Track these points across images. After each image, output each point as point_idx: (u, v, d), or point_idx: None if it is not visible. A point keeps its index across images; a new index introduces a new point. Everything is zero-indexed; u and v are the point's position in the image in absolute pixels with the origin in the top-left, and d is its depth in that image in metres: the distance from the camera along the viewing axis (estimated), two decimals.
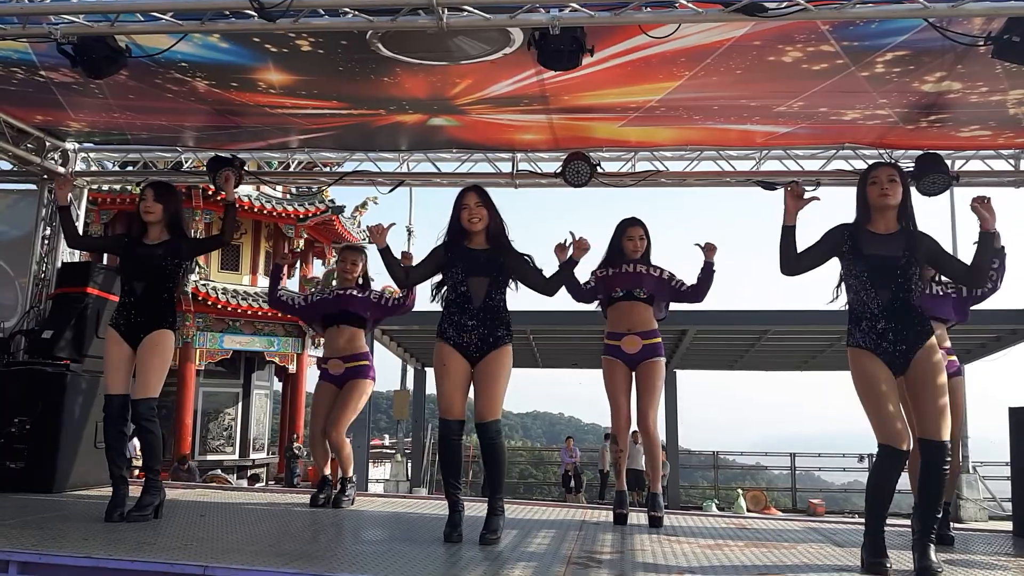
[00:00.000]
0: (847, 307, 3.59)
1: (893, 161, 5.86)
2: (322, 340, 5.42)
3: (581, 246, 4.07)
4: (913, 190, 4.12)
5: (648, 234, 4.85)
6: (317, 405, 5.23)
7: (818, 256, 3.60)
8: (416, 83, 5.20)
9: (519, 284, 4.09)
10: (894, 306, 3.42)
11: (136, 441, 5.05)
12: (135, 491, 4.35)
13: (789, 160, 6.54)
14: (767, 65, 4.73)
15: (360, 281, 5.28)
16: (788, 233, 3.60)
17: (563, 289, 4.30)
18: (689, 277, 4.80)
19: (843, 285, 3.64)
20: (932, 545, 3.33)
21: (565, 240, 4.13)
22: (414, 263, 4.28)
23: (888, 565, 3.31)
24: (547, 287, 4.08)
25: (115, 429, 4.28)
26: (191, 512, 4.66)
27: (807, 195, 3.63)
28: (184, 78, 5.11)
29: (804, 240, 3.60)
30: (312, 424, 5.33)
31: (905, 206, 3.54)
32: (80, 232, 5.43)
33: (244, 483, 14.42)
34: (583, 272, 4.88)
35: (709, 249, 4.75)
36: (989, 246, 3.49)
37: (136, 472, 4.48)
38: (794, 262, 3.60)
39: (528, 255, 4.08)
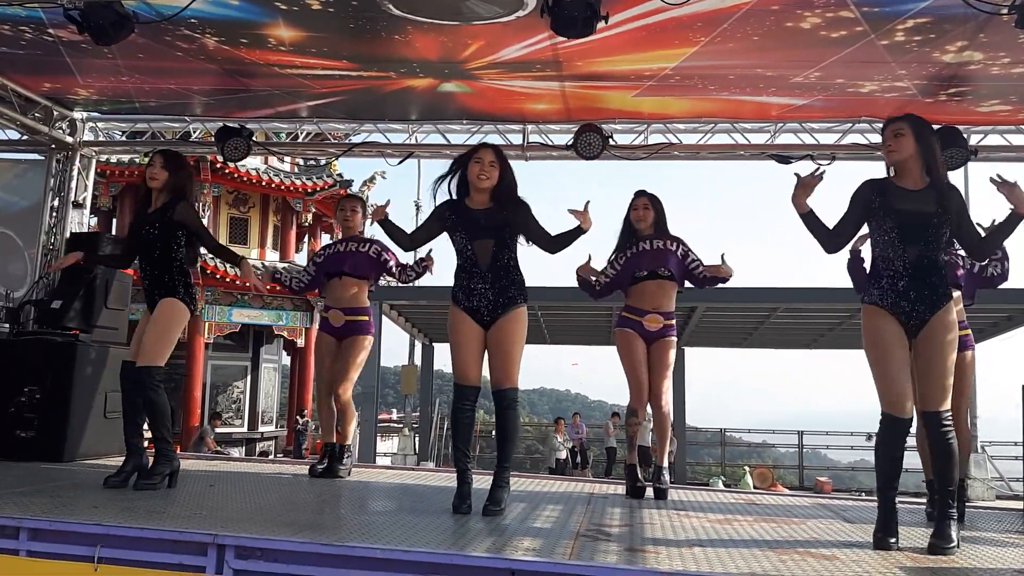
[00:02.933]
0: (870, 261, 3.50)
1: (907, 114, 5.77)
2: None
3: (587, 219, 3.92)
4: None
5: (656, 204, 4.80)
6: (319, 359, 5.24)
7: (854, 221, 3.49)
8: (427, 43, 5.12)
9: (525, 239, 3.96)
10: (921, 264, 3.32)
11: None
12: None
13: (804, 133, 6.46)
14: (784, 32, 4.64)
15: (362, 230, 5.25)
16: (808, 218, 3.49)
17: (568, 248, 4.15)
18: (705, 257, 4.77)
19: (867, 240, 3.55)
20: (951, 522, 3.26)
21: (586, 205, 3.97)
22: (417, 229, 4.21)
23: (893, 541, 3.28)
24: (551, 244, 3.92)
25: (127, 396, 4.28)
26: (201, 482, 4.67)
27: (811, 175, 3.50)
28: (194, 35, 5.06)
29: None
30: (316, 380, 5.32)
31: (927, 157, 3.37)
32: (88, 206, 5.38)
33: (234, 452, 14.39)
34: (600, 261, 4.86)
35: (719, 270, 4.67)
36: (1014, 227, 3.40)
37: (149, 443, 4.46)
38: (832, 238, 3.50)
39: (527, 207, 3.93)
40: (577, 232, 3.91)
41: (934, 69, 5.04)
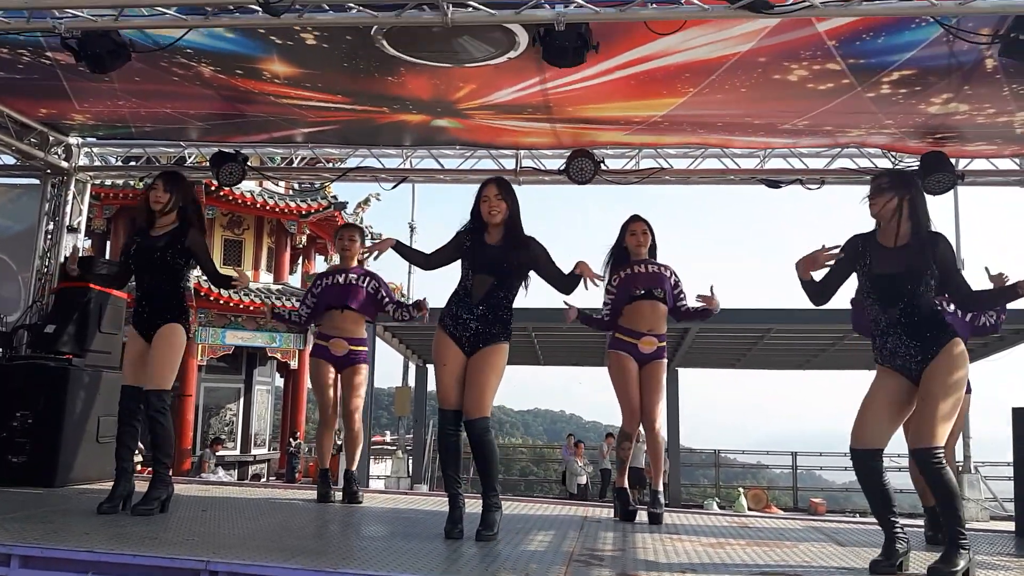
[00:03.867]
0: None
1: (892, 167, 5.83)
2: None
3: (592, 274, 4.00)
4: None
5: (652, 230, 4.86)
6: (321, 387, 5.20)
7: (841, 275, 3.57)
8: (419, 84, 5.18)
9: (531, 280, 4.06)
10: (902, 321, 3.36)
11: None
12: (140, 487, 4.34)
13: (794, 159, 6.52)
14: (772, 83, 4.67)
15: (360, 259, 5.30)
16: (807, 285, 3.56)
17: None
18: (688, 291, 4.84)
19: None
20: (960, 551, 3.18)
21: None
22: (429, 250, 4.26)
23: (891, 564, 3.29)
24: (563, 284, 4.01)
25: (126, 421, 4.29)
26: (193, 507, 4.66)
27: (828, 252, 3.51)
28: (190, 63, 5.11)
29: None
30: (322, 408, 5.28)
31: (911, 214, 3.40)
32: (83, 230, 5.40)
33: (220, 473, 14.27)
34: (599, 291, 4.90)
35: (711, 301, 4.69)
36: (1010, 299, 3.50)
37: (140, 467, 4.45)
38: (820, 295, 3.60)
39: (540, 246, 4.02)
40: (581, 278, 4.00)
41: (920, 119, 5.07)
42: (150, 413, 4.20)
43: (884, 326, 3.41)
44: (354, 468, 5.27)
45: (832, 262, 3.53)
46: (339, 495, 5.25)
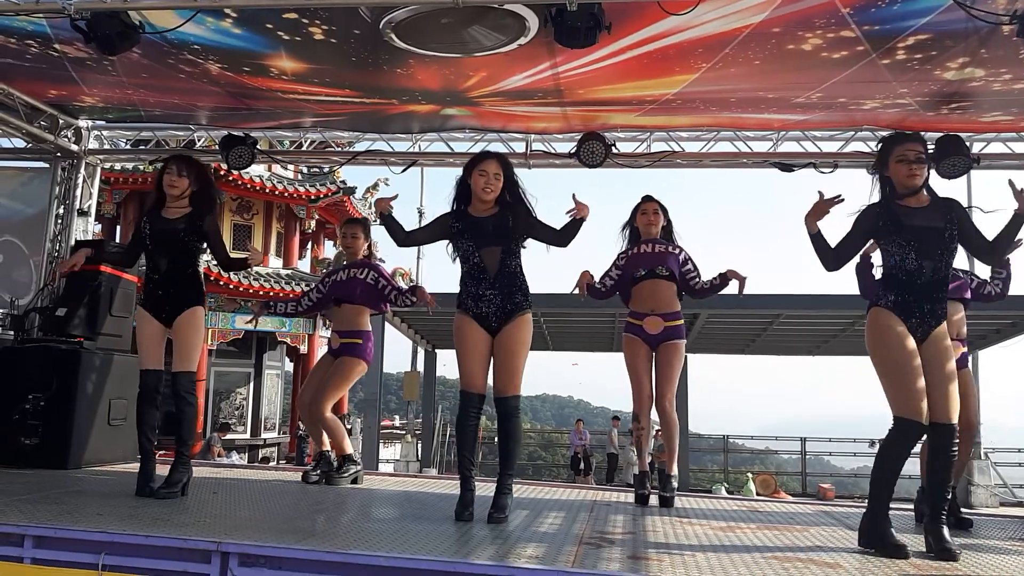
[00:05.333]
0: (882, 270, 3.55)
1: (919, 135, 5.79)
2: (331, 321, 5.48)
3: (583, 208, 3.96)
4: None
5: (665, 210, 4.83)
6: (311, 375, 5.34)
7: (856, 241, 3.57)
8: (429, 75, 5.13)
9: (528, 241, 3.99)
10: (934, 278, 3.38)
11: None
12: (161, 470, 4.37)
13: (807, 141, 6.47)
14: (786, 54, 4.61)
15: (366, 253, 5.29)
16: (817, 238, 3.55)
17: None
18: (704, 271, 4.80)
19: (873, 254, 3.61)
20: (945, 527, 3.32)
21: (574, 197, 4.03)
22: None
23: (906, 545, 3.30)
24: (559, 238, 3.93)
25: (147, 404, 4.29)
26: (204, 489, 4.68)
27: (830, 200, 3.54)
28: (197, 60, 5.08)
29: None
30: (300, 395, 5.41)
31: (927, 179, 3.50)
32: (93, 214, 5.40)
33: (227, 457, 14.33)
34: (605, 262, 4.89)
35: (736, 278, 4.66)
36: (1018, 228, 3.45)
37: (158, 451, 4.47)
38: (833, 257, 3.57)
39: (530, 209, 3.97)
40: (580, 222, 3.97)
41: (936, 86, 5.02)
42: (180, 394, 4.23)
43: (914, 280, 3.37)
44: (347, 452, 5.23)
45: (836, 207, 3.53)
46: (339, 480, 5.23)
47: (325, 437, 5.26)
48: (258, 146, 6.74)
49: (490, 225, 3.89)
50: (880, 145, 3.70)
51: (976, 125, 5.92)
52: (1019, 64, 4.62)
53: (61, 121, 6.72)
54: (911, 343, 3.35)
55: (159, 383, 4.29)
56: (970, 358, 4.81)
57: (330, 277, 5.35)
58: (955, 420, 3.33)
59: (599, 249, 5.14)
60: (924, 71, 4.77)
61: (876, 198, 3.61)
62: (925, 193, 3.49)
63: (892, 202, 3.51)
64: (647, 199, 4.86)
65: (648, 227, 4.79)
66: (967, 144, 5.83)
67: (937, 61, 4.64)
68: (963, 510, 4.57)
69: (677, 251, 4.74)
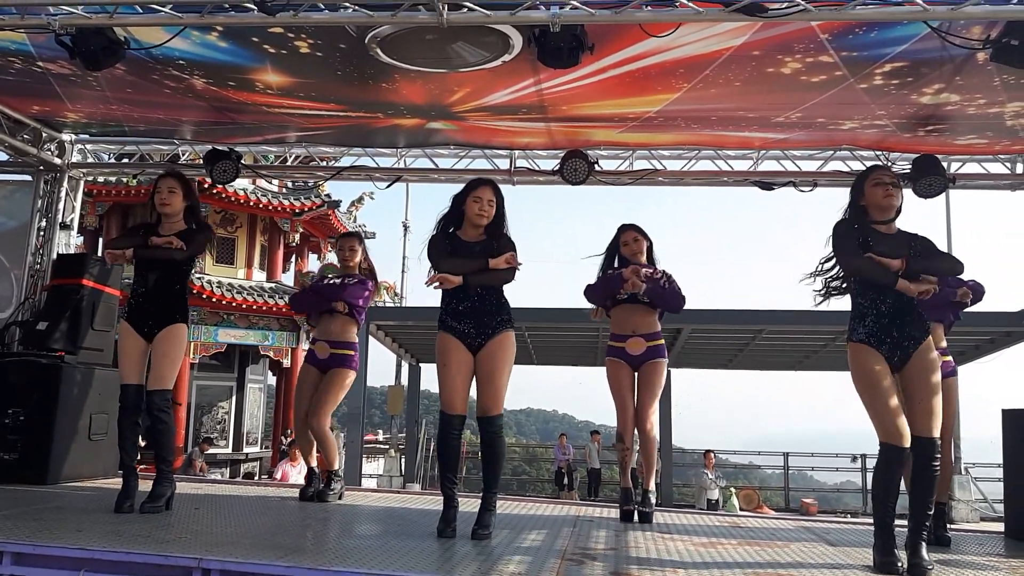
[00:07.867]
0: (851, 304, 3.61)
1: (890, 165, 5.89)
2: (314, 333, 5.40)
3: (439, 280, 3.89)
4: (907, 192, 4.15)
5: (645, 234, 4.87)
6: (300, 388, 5.25)
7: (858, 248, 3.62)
8: (414, 90, 5.18)
9: None
10: (900, 304, 3.46)
11: None
12: (143, 485, 4.35)
13: (787, 160, 6.56)
14: (766, 77, 4.70)
15: (362, 267, 5.30)
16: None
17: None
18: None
19: (836, 286, 3.67)
20: (924, 543, 3.37)
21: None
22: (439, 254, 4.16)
23: (900, 564, 3.33)
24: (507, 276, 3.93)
25: (129, 419, 4.29)
26: (186, 504, 4.66)
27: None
28: (182, 75, 5.09)
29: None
30: (295, 409, 5.34)
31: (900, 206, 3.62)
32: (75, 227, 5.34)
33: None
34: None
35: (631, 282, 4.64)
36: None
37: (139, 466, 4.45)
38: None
39: (512, 243, 3.99)
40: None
41: (912, 109, 5.12)
42: (154, 412, 4.22)
43: (884, 308, 3.45)
44: (335, 468, 5.25)
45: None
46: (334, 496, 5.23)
47: (314, 452, 5.25)
48: (243, 160, 6.75)
49: (477, 249, 3.95)
50: (855, 178, 3.78)
51: (951, 148, 6.03)
52: (993, 90, 4.72)
53: (44, 134, 6.70)
54: (880, 368, 3.42)
55: (140, 398, 4.28)
56: (957, 369, 4.87)
57: (323, 280, 5.33)
58: (935, 434, 3.37)
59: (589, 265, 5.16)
60: (901, 95, 4.87)
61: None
62: (895, 225, 3.59)
63: (865, 223, 3.60)
64: (625, 228, 4.89)
65: (634, 256, 4.84)
66: (943, 164, 5.93)
67: (913, 87, 4.74)
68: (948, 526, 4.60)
69: (659, 276, 4.76)
